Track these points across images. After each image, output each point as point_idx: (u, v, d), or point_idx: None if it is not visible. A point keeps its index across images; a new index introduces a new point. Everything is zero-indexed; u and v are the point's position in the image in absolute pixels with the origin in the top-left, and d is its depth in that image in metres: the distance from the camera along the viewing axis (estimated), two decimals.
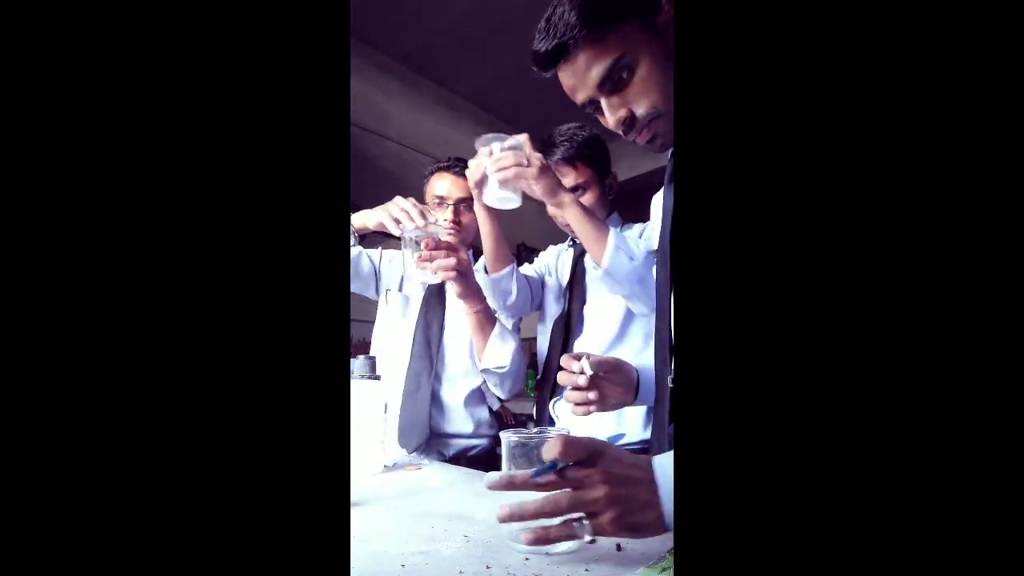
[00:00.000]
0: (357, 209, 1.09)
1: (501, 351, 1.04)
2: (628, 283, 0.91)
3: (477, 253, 1.21)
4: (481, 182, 0.90)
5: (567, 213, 0.91)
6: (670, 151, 0.67)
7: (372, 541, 0.50)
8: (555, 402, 1.10)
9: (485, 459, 1.17)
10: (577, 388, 0.70)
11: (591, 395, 0.70)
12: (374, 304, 1.29)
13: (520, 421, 2.66)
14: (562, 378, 0.72)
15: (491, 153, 0.87)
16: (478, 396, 1.19)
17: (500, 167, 0.84)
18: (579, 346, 1.12)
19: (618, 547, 0.48)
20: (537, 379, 1.19)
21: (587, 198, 1.08)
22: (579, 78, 0.62)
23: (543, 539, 0.44)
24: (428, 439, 1.09)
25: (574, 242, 1.20)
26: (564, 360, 0.72)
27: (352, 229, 1.06)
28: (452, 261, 0.95)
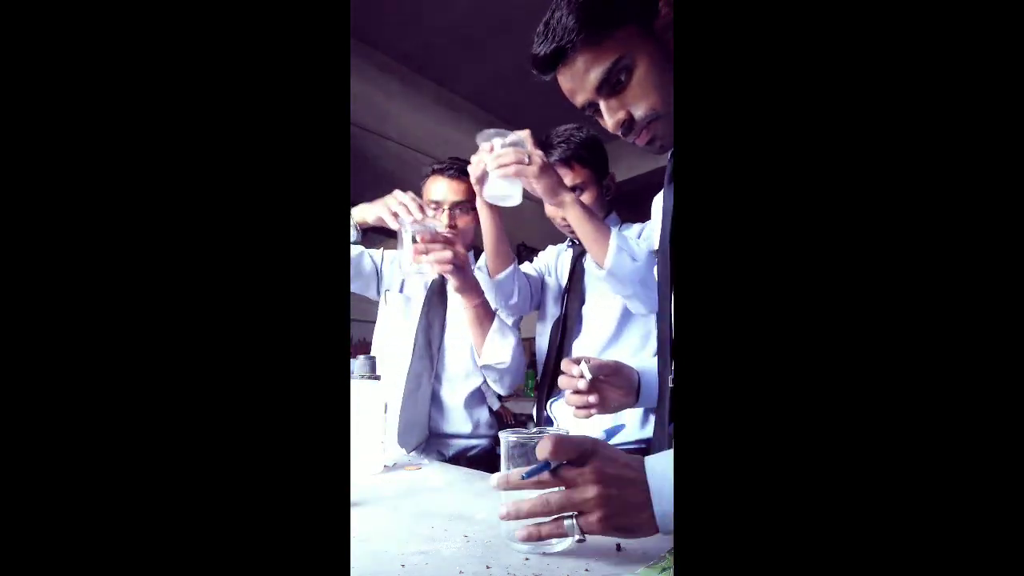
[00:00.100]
0: None
1: (501, 347, 1.04)
2: (631, 284, 0.91)
3: (477, 253, 1.21)
4: (482, 178, 0.90)
5: (568, 212, 0.91)
6: (670, 151, 0.68)
7: (372, 541, 0.50)
8: (552, 402, 1.10)
9: (485, 459, 1.17)
10: (578, 392, 0.70)
11: (592, 398, 0.70)
12: (374, 304, 1.29)
13: (520, 421, 2.66)
14: (562, 382, 0.72)
15: (492, 149, 0.86)
16: (478, 396, 1.19)
17: (501, 163, 0.84)
18: (577, 346, 1.12)
19: (618, 547, 0.48)
20: (536, 379, 1.20)
21: (584, 199, 1.08)
22: (578, 81, 0.63)
23: (535, 536, 0.46)
24: (428, 439, 1.09)
25: (573, 243, 1.20)
26: (564, 364, 0.72)
27: (353, 222, 1.05)
28: (448, 254, 0.94)
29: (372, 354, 1.04)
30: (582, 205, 0.92)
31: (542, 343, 1.19)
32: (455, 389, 1.16)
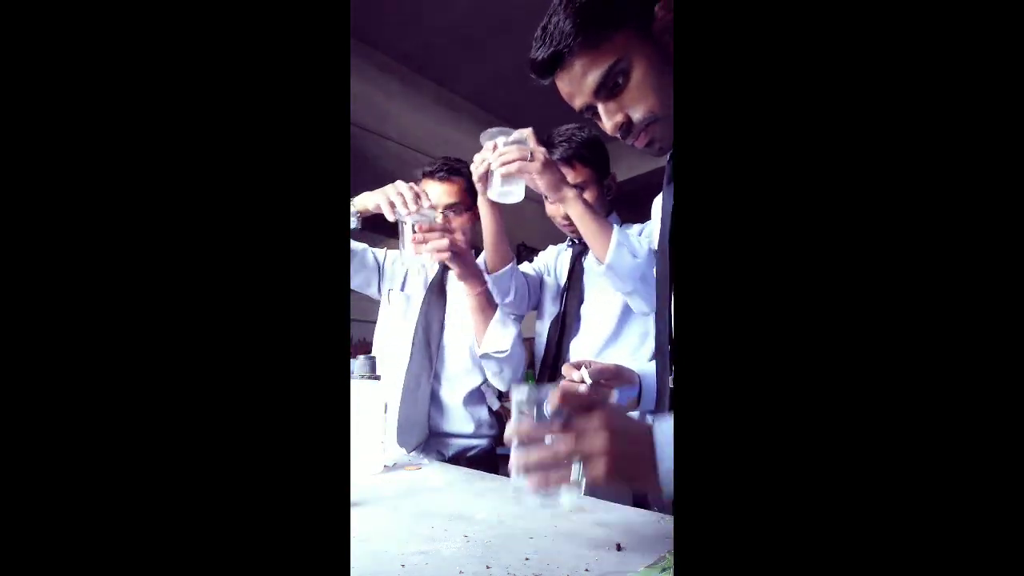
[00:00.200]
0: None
1: (501, 335, 1.04)
2: (631, 280, 0.91)
3: (476, 253, 1.21)
4: (485, 176, 0.90)
5: (570, 208, 0.91)
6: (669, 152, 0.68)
7: (372, 541, 0.50)
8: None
9: (485, 459, 1.17)
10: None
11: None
12: (375, 304, 1.29)
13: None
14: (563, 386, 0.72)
15: (495, 147, 0.87)
16: (477, 396, 1.19)
17: (504, 161, 0.84)
18: (575, 345, 1.12)
19: (618, 547, 0.48)
20: (535, 379, 1.20)
21: (586, 198, 1.08)
22: (576, 85, 0.63)
23: (543, 485, 0.47)
24: (427, 439, 1.09)
25: (573, 242, 1.20)
26: (565, 369, 0.72)
27: (354, 210, 1.05)
28: (445, 242, 0.94)
29: (372, 354, 1.04)
30: (584, 201, 0.92)
31: (541, 342, 1.19)
32: (454, 389, 1.16)
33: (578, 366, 0.70)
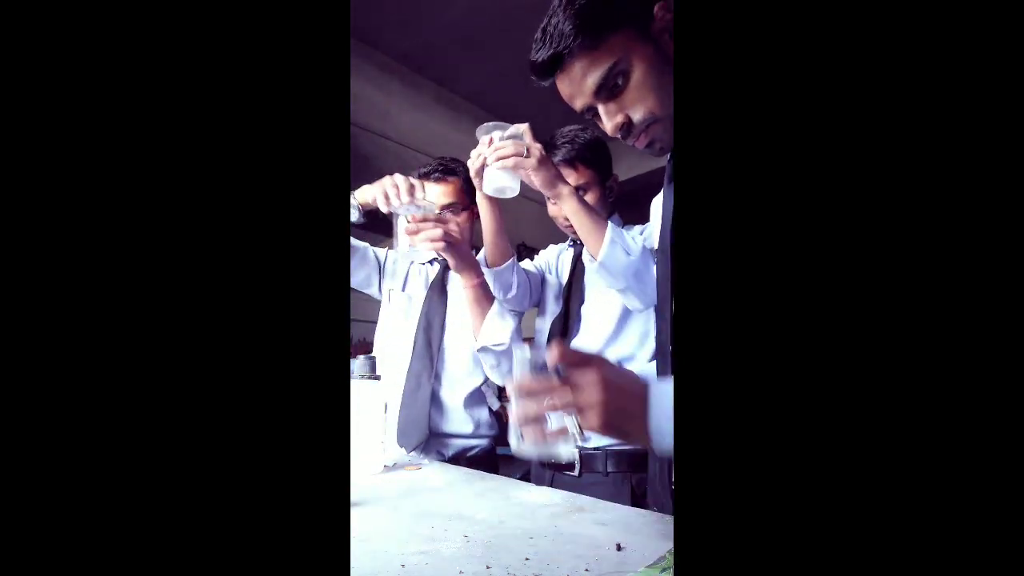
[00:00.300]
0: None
1: (499, 328, 1.03)
2: (623, 277, 0.91)
3: (477, 252, 1.21)
4: (481, 171, 0.90)
5: (565, 205, 0.91)
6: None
7: (372, 541, 0.50)
8: None
9: (485, 459, 1.17)
10: None
11: None
12: (375, 304, 1.29)
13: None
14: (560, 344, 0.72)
15: (491, 142, 0.87)
16: (478, 396, 1.19)
17: (500, 155, 0.84)
18: (576, 344, 1.12)
19: (618, 547, 0.48)
20: None
21: (588, 199, 1.08)
22: (576, 86, 0.63)
23: (539, 437, 0.50)
24: (428, 439, 1.09)
25: (574, 242, 1.20)
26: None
27: (355, 203, 1.04)
28: (438, 232, 0.94)
29: (373, 354, 1.04)
30: (579, 198, 0.92)
31: (541, 341, 1.19)
32: (455, 389, 1.16)
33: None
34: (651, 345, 1.04)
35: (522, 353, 0.55)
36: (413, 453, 1.08)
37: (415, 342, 1.16)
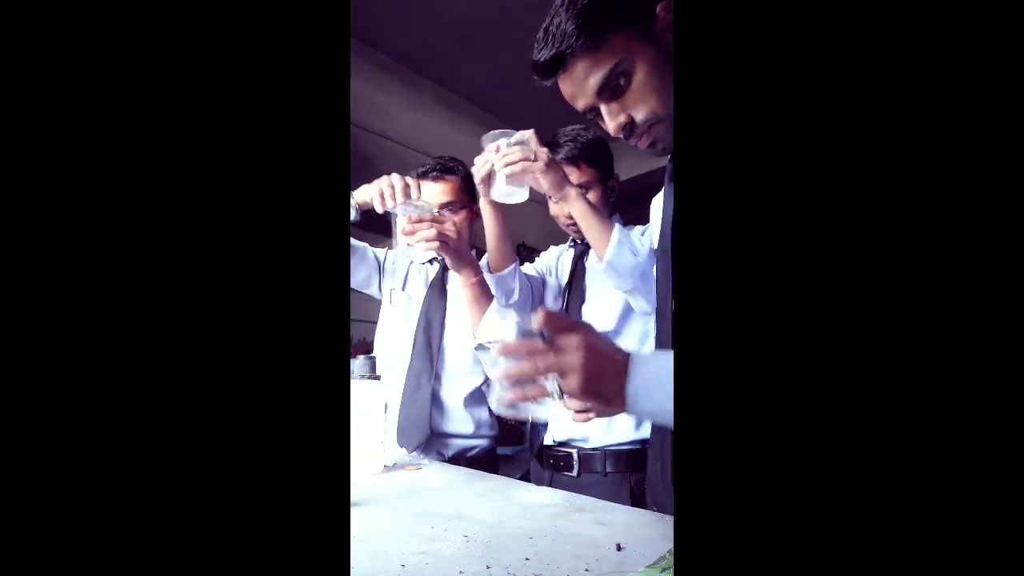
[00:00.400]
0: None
1: (498, 326, 1.03)
2: (631, 278, 0.91)
3: (479, 254, 1.21)
4: (488, 178, 0.90)
5: (572, 207, 0.92)
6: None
7: (372, 541, 0.50)
8: None
9: (485, 459, 1.17)
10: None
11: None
12: (375, 304, 1.29)
13: (520, 422, 2.66)
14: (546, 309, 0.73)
15: (498, 149, 0.87)
16: (478, 396, 1.19)
17: (508, 162, 0.85)
18: None
19: (618, 547, 0.48)
20: None
21: (589, 198, 1.08)
22: (578, 86, 0.63)
23: (520, 398, 0.51)
24: (428, 439, 1.09)
25: (575, 243, 1.20)
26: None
27: (353, 203, 1.05)
28: (433, 232, 0.94)
29: (373, 354, 1.04)
30: (586, 199, 0.92)
31: None
32: (455, 389, 1.16)
33: None
34: (651, 345, 1.04)
35: (510, 317, 0.55)
36: (413, 453, 1.08)
37: (415, 342, 1.16)
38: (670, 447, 0.67)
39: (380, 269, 1.26)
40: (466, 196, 1.18)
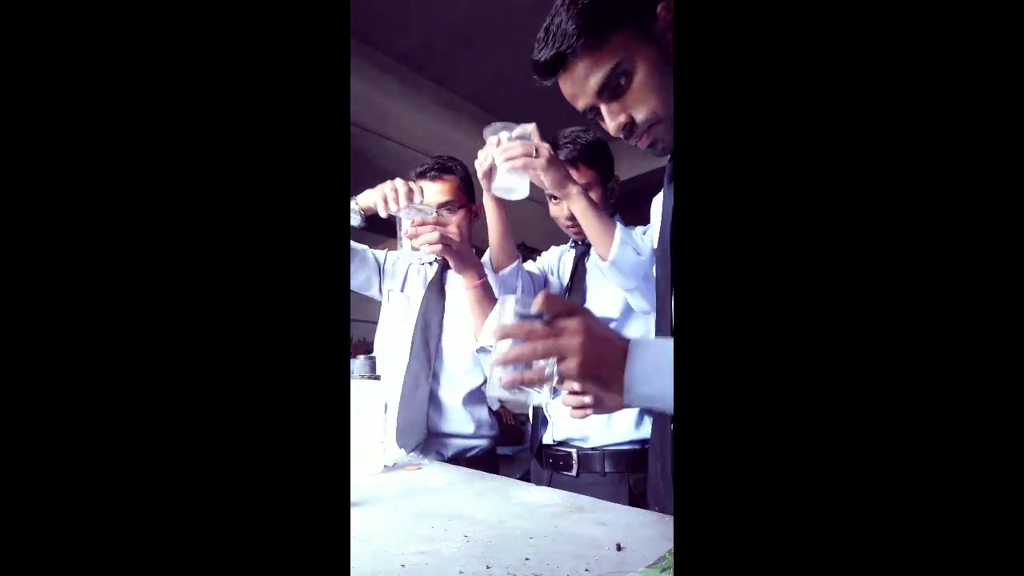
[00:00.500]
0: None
1: None
2: (633, 277, 0.91)
3: (479, 253, 1.21)
4: (489, 172, 0.90)
5: (574, 205, 0.91)
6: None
7: (372, 541, 0.50)
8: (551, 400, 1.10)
9: (485, 460, 1.17)
10: (573, 392, 0.70)
11: (587, 399, 0.71)
12: (375, 304, 1.29)
13: (520, 421, 2.66)
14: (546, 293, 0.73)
15: (499, 142, 0.87)
16: (477, 396, 1.19)
17: (509, 156, 0.84)
18: None
19: (618, 547, 0.48)
20: None
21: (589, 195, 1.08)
22: (578, 86, 0.63)
23: (518, 382, 0.51)
24: (427, 439, 1.09)
25: (576, 243, 1.20)
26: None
27: (356, 208, 1.05)
28: (435, 235, 0.94)
29: (373, 354, 1.04)
30: (587, 198, 0.92)
31: None
32: (454, 389, 1.15)
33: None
34: None
35: (509, 302, 0.56)
36: (412, 453, 1.08)
37: (413, 342, 1.16)
38: (670, 447, 0.67)
39: (380, 271, 1.26)
40: (465, 196, 1.18)
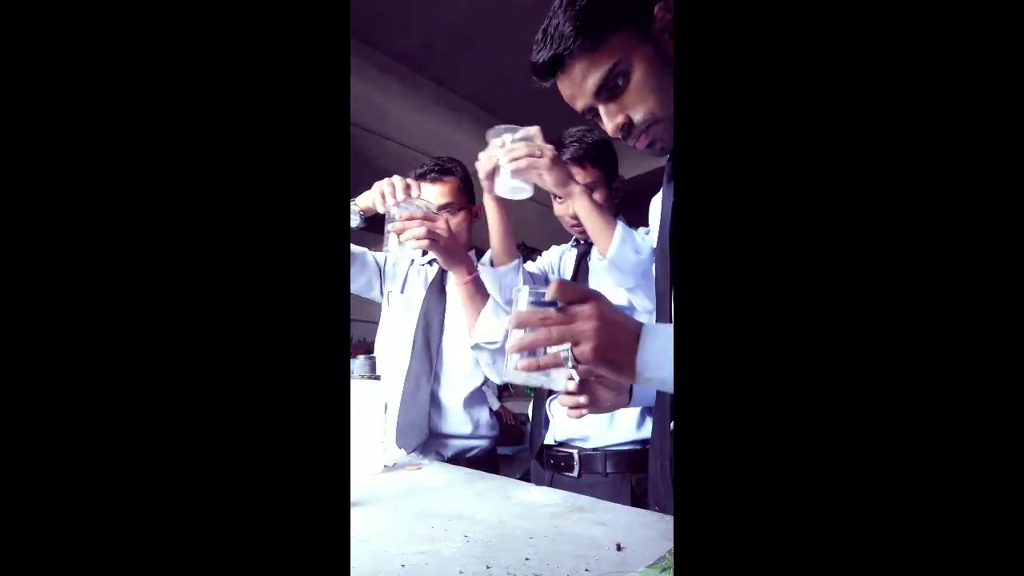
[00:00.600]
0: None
1: (493, 325, 1.02)
2: (633, 275, 0.92)
3: (479, 254, 1.21)
4: (493, 173, 0.90)
5: (576, 204, 0.92)
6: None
7: (372, 541, 0.50)
8: (551, 400, 1.10)
9: (485, 460, 1.17)
10: (569, 392, 0.71)
11: (582, 399, 0.71)
12: (375, 304, 1.29)
13: (520, 421, 2.66)
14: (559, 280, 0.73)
15: (503, 144, 0.87)
16: (478, 397, 1.19)
17: (513, 157, 0.85)
18: None
19: (618, 547, 0.48)
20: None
21: (595, 198, 1.08)
22: (576, 87, 0.63)
23: (534, 367, 0.53)
24: (427, 440, 1.09)
25: (578, 242, 1.20)
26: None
27: (356, 209, 1.05)
28: (421, 230, 0.93)
29: (373, 354, 1.04)
30: (590, 197, 0.93)
31: None
32: (454, 390, 1.15)
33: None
34: None
35: (524, 291, 0.56)
36: (412, 454, 1.08)
37: (414, 343, 1.16)
38: (670, 447, 0.67)
39: (381, 273, 1.26)
40: (464, 197, 1.18)
